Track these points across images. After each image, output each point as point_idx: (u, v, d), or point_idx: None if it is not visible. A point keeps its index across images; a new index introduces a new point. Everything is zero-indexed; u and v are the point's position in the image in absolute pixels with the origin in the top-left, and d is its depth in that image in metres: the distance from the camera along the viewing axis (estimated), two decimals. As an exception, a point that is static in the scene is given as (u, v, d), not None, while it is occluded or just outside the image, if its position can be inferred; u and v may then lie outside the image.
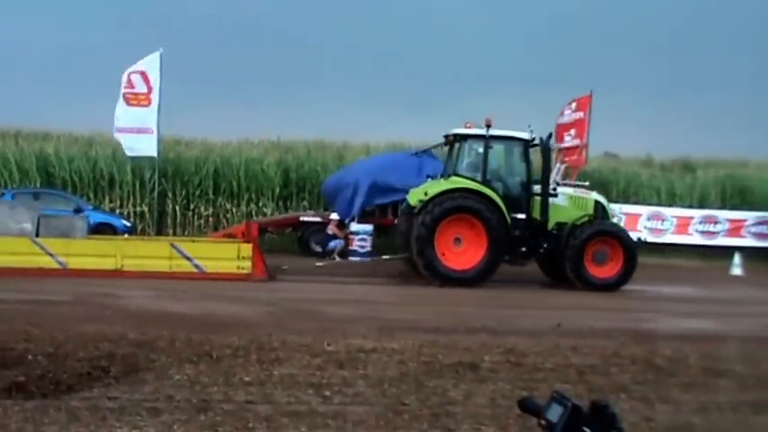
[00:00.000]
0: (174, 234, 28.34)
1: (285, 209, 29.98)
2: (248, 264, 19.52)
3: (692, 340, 13.30)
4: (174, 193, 29.61)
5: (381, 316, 15.04)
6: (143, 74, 26.19)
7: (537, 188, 20.49)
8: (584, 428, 2.96)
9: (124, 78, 26.21)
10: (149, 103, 26.12)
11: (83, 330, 12.19)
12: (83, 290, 16.81)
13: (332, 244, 23.80)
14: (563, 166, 27.99)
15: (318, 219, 25.36)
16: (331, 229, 23.76)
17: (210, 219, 30.01)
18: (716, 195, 32.07)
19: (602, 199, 21.62)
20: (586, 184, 23.08)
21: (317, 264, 21.91)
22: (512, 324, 14.59)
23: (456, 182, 20.28)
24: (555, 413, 3.00)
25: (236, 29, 59.48)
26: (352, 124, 44.91)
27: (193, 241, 21.24)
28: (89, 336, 11.77)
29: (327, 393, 9.60)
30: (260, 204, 30.01)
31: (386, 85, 58.90)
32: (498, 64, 61.36)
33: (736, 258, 25.61)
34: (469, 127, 20.94)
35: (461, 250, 19.98)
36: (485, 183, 20.25)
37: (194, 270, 19.41)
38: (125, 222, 26.35)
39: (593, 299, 19.03)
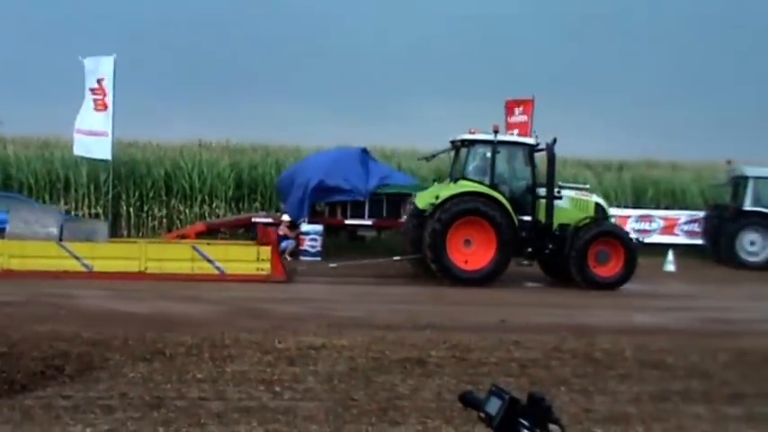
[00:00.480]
0: (129, 235, 28.10)
1: (237, 210, 29.82)
2: (267, 265, 19.57)
3: (628, 334, 13.48)
4: (127, 194, 29.34)
5: (331, 314, 15.04)
6: (98, 79, 26.06)
7: (541, 191, 20.70)
8: (522, 420, 2.99)
9: (92, 83, 26.10)
10: (105, 108, 25.99)
11: (37, 330, 12.04)
12: (37, 290, 16.59)
13: (283, 244, 23.70)
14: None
15: (270, 220, 25.25)
16: (282, 230, 23.68)
17: (164, 220, 29.75)
18: (653, 195, 32.43)
19: (601, 201, 21.89)
20: (587, 186, 23.31)
21: (331, 265, 21.91)
22: (458, 320, 14.67)
23: (465, 185, 20.42)
24: (494, 406, 3.02)
25: (188, 33, 58.99)
26: (304, 127, 44.74)
27: (210, 244, 21.17)
28: (43, 335, 11.64)
29: (278, 389, 9.59)
30: (213, 206, 29.80)
31: (335, 88, 58.81)
32: (442, 70, 61.56)
33: (670, 255, 25.95)
34: (473, 133, 21.10)
35: (471, 251, 20.19)
36: (492, 186, 20.46)
37: (216, 272, 19.46)
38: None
39: (536, 296, 19.22)
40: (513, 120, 28.87)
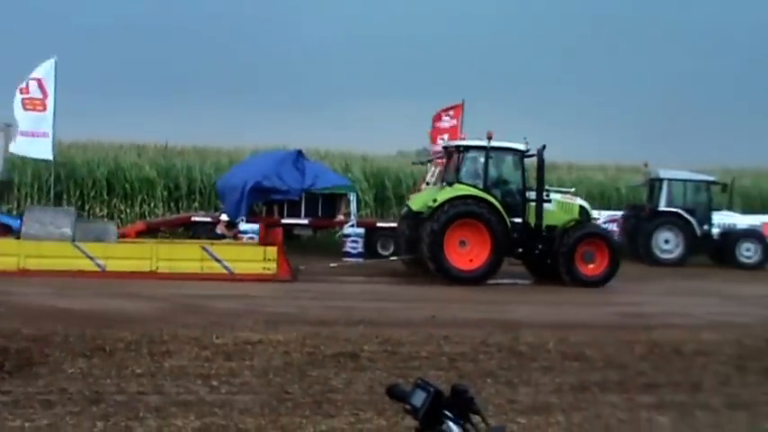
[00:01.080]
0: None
1: (177, 209, 29.54)
2: (273, 265, 19.52)
3: (551, 328, 13.64)
4: (69, 194, 28.91)
5: (267, 310, 14.98)
6: (39, 81, 25.63)
7: (531, 195, 20.95)
8: (446, 412, 3.03)
9: (23, 84, 25.65)
10: (45, 109, 25.54)
11: (-23, 327, 11.78)
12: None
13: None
14: (437, 169, 28.34)
15: (209, 219, 25.03)
16: (220, 229, 23.45)
17: (105, 219, 29.36)
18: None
19: (585, 204, 22.25)
20: (572, 190, 23.66)
21: (331, 265, 21.79)
22: (390, 316, 14.71)
23: (461, 189, 20.59)
24: (419, 399, 3.06)
25: (129, 37, 58.28)
26: (241, 128, 44.59)
27: (219, 244, 20.99)
28: (-17, 332, 11.40)
29: (215, 383, 9.54)
30: (152, 205, 29.54)
31: (273, 90, 58.60)
32: (377, 73, 61.73)
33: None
34: (464, 138, 21.44)
35: (467, 251, 20.34)
36: (486, 190, 20.67)
37: (224, 271, 19.37)
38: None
39: (464, 293, 19.28)
40: (441, 125, 28.99)
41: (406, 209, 22.49)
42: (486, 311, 15.89)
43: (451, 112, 28.51)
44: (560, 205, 21.43)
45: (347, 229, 24.46)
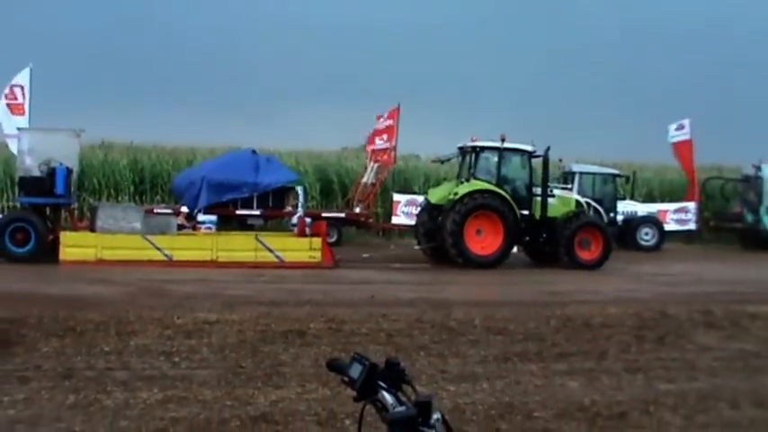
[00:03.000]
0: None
1: (141, 202, 29.16)
2: (318, 254, 19.79)
3: (478, 306, 13.73)
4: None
5: (225, 293, 14.86)
6: (21, 87, 25.45)
7: (537, 190, 21.62)
8: (380, 383, 3.05)
9: (7, 90, 25.45)
10: (23, 113, 25.33)
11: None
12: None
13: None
14: (376, 165, 28.41)
15: (170, 211, 24.72)
16: (180, 220, 23.17)
17: (76, 211, 28.88)
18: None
19: (580, 198, 23.26)
20: (569, 186, 24.76)
21: (364, 255, 22.07)
22: (334, 297, 14.70)
23: (477, 185, 21.08)
24: (356, 371, 3.07)
25: (94, 42, 57.22)
26: (199, 130, 44.00)
27: (271, 236, 21.34)
28: (-37, 316, 11.16)
29: (176, 360, 9.48)
30: (118, 199, 29.18)
31: (229, 94, 58.07)
32: (321, 78, 61.51)
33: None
34: (475, 140, 21.87)
35: (482, 239, 20.81)
36: (498, 185, 21.21)
37: (275, 260, 19.58)
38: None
39: (402, 276, 19.41)
40: (378, 126, 29.06)
41: (425, 201, 22.90)
42: (421, 292, 15.97)
43: (386, 114, 28.60)
44: (560, 199, 22.13)
45: (295, 219, 24.34)
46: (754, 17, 55.48)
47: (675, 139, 32.25)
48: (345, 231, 27.43)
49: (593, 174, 28.17)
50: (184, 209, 23.90)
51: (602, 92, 56.60)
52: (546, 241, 21.61)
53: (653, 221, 29.10)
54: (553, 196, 21.84)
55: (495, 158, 21.72)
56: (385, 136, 28.62)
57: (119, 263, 18.33)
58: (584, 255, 21.26)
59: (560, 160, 28.96)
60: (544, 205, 21.47)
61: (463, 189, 20.97)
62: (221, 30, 61.10)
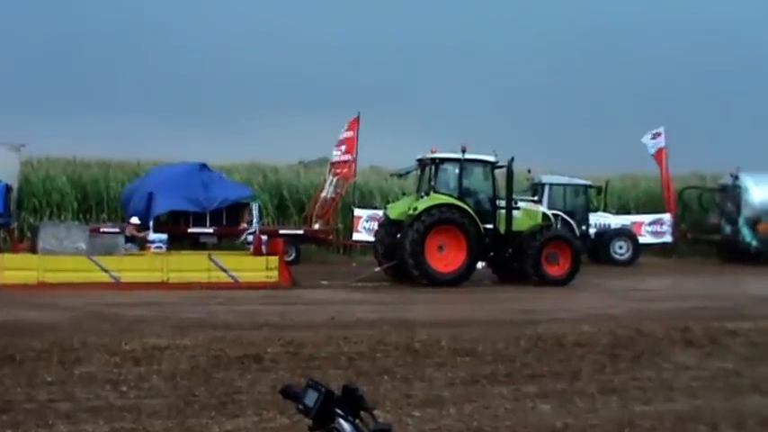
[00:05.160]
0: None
1: (86, 221, 28.82)
2: (275, 273, 19.70)
3: (444, 326, 13.78)
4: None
5: (176, 316, 14.73)
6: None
7: (501, 203, 21.54)
8: (337, 410, 3.06)
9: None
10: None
11: None
12: None
13: (128, 245, 22.60)
14: (335, 179, 28.45)
15: (116, 230, 24.48)
16: (129, 231, 22.85)
17: (16, 232, 28.44)
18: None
19: (547, 211, 23.28)
20: (535, 198, 24.76)
21: (323, 282, 21.26)
22: (292, 319, 14.66)
23: (438, 198, 21.06)
24: (311, 398, 3.08)
25: (36, 48, 56.70)
26: (145, 142, 43.77)
27: (225, 254, 21.29)
28: None
29: (124, 389, 9.37)
30: (61, 217, 28.75)
31: (177, 105, 57.77)
32: (277, 88, 61.48)
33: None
34: (435, 151, 21.77)
35: (444, 256, 20.74)
36: (460, 198, 21.13)
37: (230, 280, 19.49)
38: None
39: (362, 295, 19.39)
40: (340, 137, 29.11)
41: (383, 217, 22.86)
42: (383, 312, 15.94)
43: (346, 125, 28.72)
44: (526, 212, 22.10)
45: (250, 237, 24.25)
46: (738, 20, 56.41)
47: (654, 149, 32.20)
48: (304, 249, 27.38)
49: (564, 185, 28.42)
50: (135, 219, 23.54)
51: (570, 99, 57.19)
52: (512, 256, 21.60)
53: (627, 234, 29.40)
54: (518, 209, 21.83)
55: (457, 170, 21.71)
56: (344, 147, 28.69)
57: (62, 286, 18.04)
58: (553, 270, 21.31)
59: (529, 171, 29.20)
60: (509, 219, 21.42)
61: (423, 204, 20.94)
62: (169, 37, 60.80)
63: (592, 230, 28.19)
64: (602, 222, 29.28)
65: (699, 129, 47.61)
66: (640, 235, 30.00)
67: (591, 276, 22.33)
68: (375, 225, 25.78)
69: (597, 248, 28.34)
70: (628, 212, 32.70)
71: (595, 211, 29.21)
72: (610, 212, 30.69)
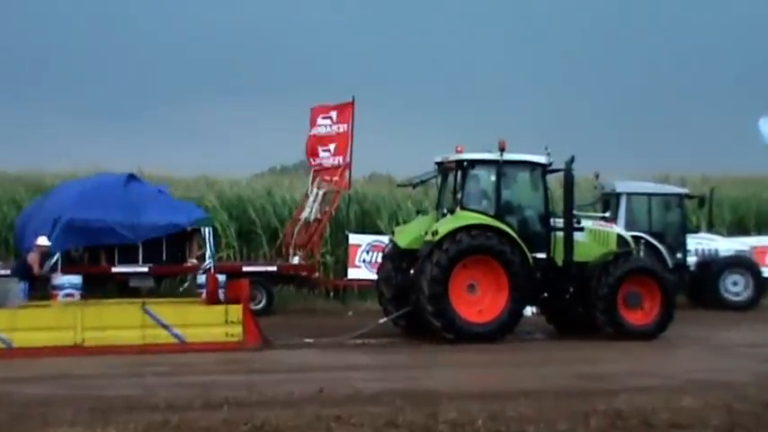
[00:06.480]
0: None
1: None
2: (239, 329, 19.70)
3: (480, 398, 13.70)
4: None
5: (96, 394, 14.70)
6: None
7: (558, 222, 21.41)
8: None
9: None
10: None
11: None
12: None
13: (21, 285, 22.34)
14: (321, 192, 28.47)
15: (7, 272, 24.53)
16: (31, 259, 22.60)
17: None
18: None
19: (623, 233, 22.99)
20: (606, 215, 24.56)
21: (306, 340, 21.20)
22: (264, 392, 14.58)
23: (467, 217, 20.93)
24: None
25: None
26: (52, 145, 44.09)
27: (164, 303, 21.47)
28: None
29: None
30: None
31: (95, 96, 58.20)
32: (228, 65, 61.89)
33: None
34: (460, 151, 21.50)
35: (477, 298, 20.76)
36: (498, 217, 21.02)
37: (174, 341, 19.52)
38: None
39: (363, 356, 19.35)
40: (317, 131, 29.04)
41: (389, 246, 22.60)
42: (392, 380, 15.95)
43: (334, 114, 28.69)
44: (593, 235, 22.06)
45: (202, 277, 24.30)
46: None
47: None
48: (278, 293, 27.50)
49: (648, 194, 28.40)
50: (43, 240, 23.39)
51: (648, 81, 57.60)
52: (575, 298, 21.61)
53: (744, 264, 29.22)
54: (582, 229, 21.72)
55: (493, 177, 21.65)
56: (331, 146, 28.73)
57: None
58: (635, 317, 21.27)
59: (597, 176, 29.26)
60: (569, 244, 21.35)
61: (446, 225, 20.87)
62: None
63: (691, 259, 28.15)
64: (707, 248, 29.21)
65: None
66: (764, 265, 29.88)
67: (691, 326, 22.32)
68: (379, 257, 25.69)
69: (700, 285, 28.32)
70: (745, 233, 32.62)
71: (696, 231, 29.21)
72: (718, 233, 30.63)
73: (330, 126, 28.94)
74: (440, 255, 20.35)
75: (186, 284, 25.93)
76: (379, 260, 23.92)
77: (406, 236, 21.88)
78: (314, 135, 29.30)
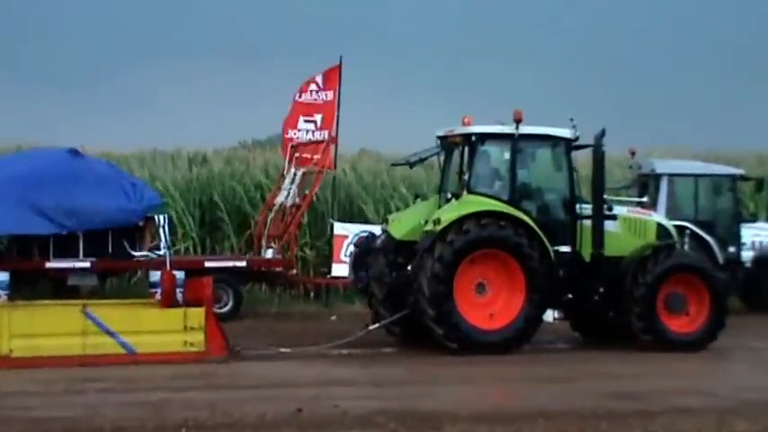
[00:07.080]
0: None
1: None
2: (200, 338, 19.59)
3: (489, 421, 13.70)
4: None
5: (26, 415, 14.63)
6: None
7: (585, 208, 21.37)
8: None
9: None
10: None
11: None
12: None
13: None
14: (300, 173, 28.44)
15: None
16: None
17: None
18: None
19: (665, 221, 22.89)
20: (644, 200, 24.74)
21: (282, 350, 21.12)
22: (230, 412, 14.53)
23: (475, 203, 20.79)
24: None
25: None
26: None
27: (108, 305, 21.23)
28: None
29: None
30: None
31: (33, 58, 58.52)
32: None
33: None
34: (468, 123, 21.39)
35: (486, 300, 20.74)
36: (513, 203, 20.88)
37: (122, 351, 19.38)
38: None
39: (350, 369, 19.37)
40: (303, 98, 29.05)
41: (382, 237, 22.38)
42: (385, 398, 16.00)
43: (320, 79, 28.70)
44: (628, 223, 21.96)
45: (156, 274, 24.24)
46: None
47: None
48: (248, 293, 27.51)
49: (695, 176, 28.39)
50: None
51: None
52: (605, 300, 21.55)
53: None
54: (615, 218, 21.61)
55: (507, 154, 21.55)
56: (317, 117, 28.72)
57: None
58: (678, 324, 21.27)
59: (632, 154, 29.23)
60: (599, 235, 21.24)
61: (450, 212, 20.78)
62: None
63: (746, 254, 28.15)
64: (766, 241, 29.18)
65: None
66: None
67: (746, 334, 22.37)
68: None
69: (758, 285, 28.32)
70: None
71: (753, 220, 29.22)
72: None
73: (317, 92, 28.90)
74: (443, 248, 20.22)
75: (134, 281, 25.88)
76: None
77: (402, 225, 21.74)
78: (300, 102, 29.23)
